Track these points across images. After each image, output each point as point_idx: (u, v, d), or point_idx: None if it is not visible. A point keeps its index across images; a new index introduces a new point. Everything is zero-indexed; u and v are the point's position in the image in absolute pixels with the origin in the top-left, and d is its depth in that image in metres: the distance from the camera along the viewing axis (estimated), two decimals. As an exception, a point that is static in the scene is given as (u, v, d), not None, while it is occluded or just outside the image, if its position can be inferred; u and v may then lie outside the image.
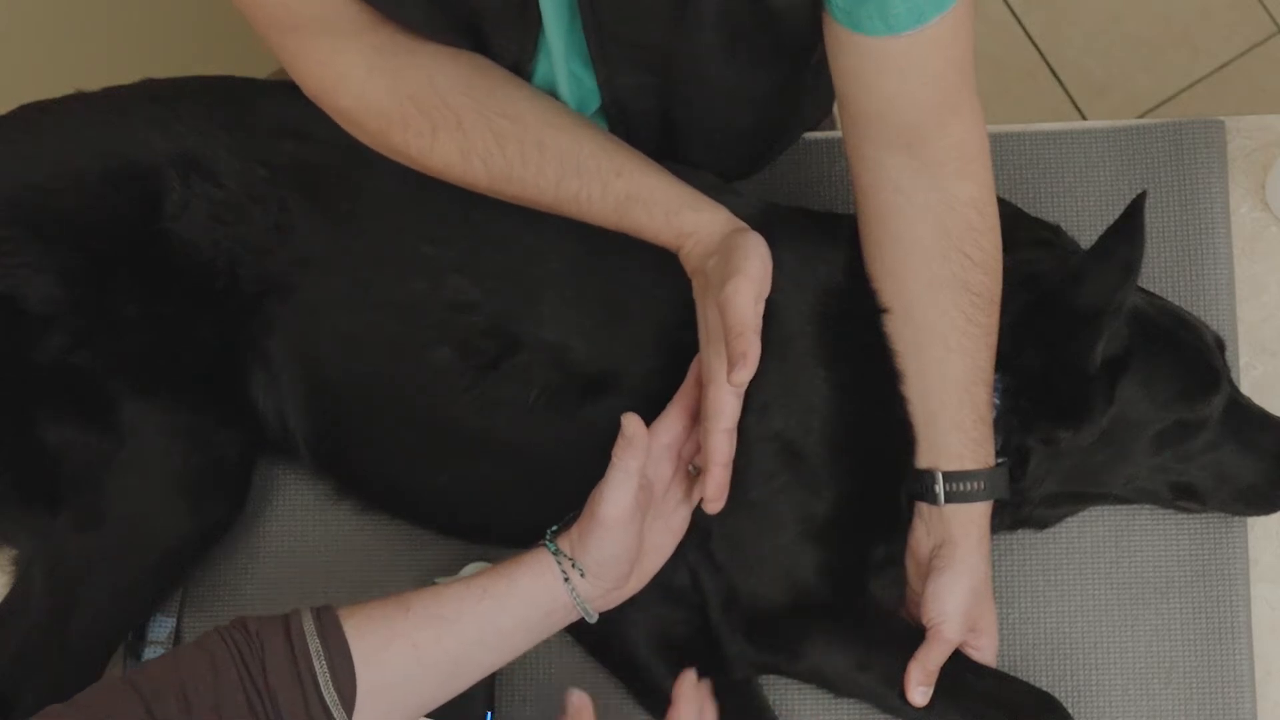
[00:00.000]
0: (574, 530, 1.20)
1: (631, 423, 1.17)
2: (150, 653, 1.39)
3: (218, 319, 1.35)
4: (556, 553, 1.19)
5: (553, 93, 1.29)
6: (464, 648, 1.16)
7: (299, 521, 1.45)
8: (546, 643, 1.38)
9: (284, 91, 1.43)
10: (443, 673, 1.16)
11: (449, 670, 1.16)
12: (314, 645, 1.09)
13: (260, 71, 1.79)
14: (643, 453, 1.17)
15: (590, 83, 1.28)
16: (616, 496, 1.17)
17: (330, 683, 1.09)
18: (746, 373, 1.13)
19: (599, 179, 1.24)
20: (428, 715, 1.26)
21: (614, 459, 1.17)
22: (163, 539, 1.34)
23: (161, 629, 1.40)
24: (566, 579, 1.19)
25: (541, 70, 1.28)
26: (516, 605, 1.18)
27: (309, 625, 1.11)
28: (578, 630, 1.37)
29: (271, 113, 1.40)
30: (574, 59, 1.27)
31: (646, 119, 1.33)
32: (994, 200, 1.28)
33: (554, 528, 1.22)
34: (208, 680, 1.07)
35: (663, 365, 1.31)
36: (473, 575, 1.19)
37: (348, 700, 1.10)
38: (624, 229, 1.25)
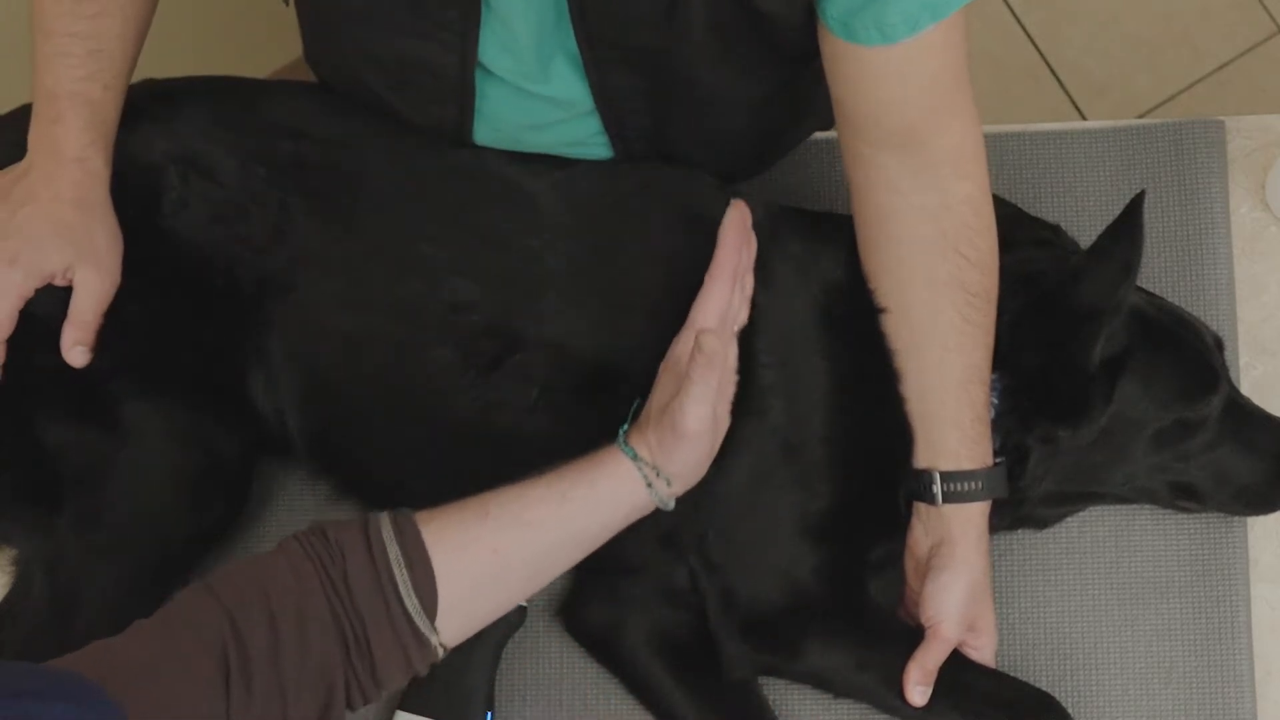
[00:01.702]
0: (650, 437, 1.19)
1: (711, 340, 1.17)
2: (150, 652, 1.39)
3: (217, 319, 1.35)
4: (636, 459, 1.19)
5: (520, 93, 1.30)
6: (545, 550, 1.17)
7: (299, 521, 1.44)
8: (547, 643, 1.38)
9: (284, 91, 1.44)
10: (524, 574, 1.16)
11: (530, 572, 1.17)
12: (394, 552, 1.10)
13: (260, 71, 1.79)
14: (721, 368, 1.17)
15: (578, 83, 1.28)
16: (699, 411, 1.17)
17: (412, 591, 1.09)
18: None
19: None
20: (425, 716, 1.26)
21: (692, 375, 1.17)
22: (163, 539, 1.34)
23: (161, 629, 1.40)
24: (650, 485, 1.19)
25: (500, 62, 1.28)
26: (597, 509, 1.18)
27: (388, 532, 1.11)
28: (577, 630, 1.37)
29: (271, 112, 1.40)
30: (560, 59, 1.27)
31: (639, 118, 1.33)
32: (990, 200, 1.28)
33: (624, 427, 1.22)
34: (291, 587, 1.07)
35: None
36: (549, 477, 1.18)
37: (429, 607, 1.10)
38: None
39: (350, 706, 1.10)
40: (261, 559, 1.10)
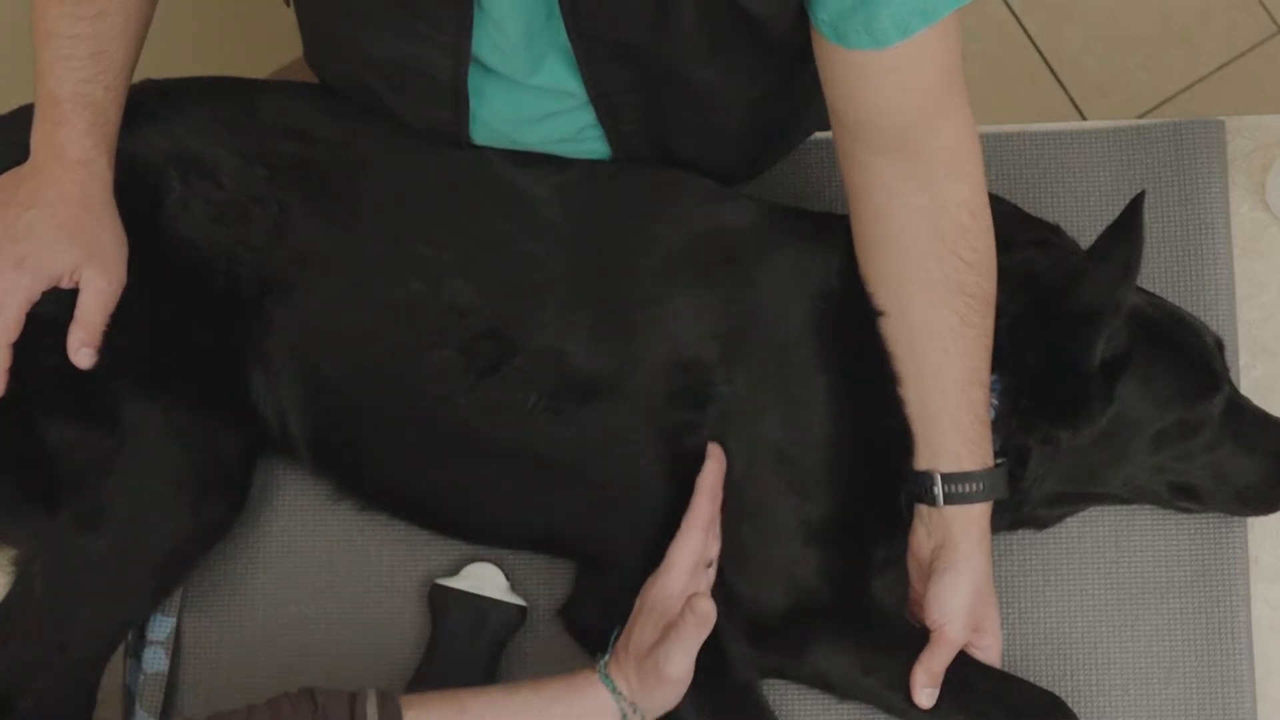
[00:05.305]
0: (631, 675, 1.22)
1: (704, 605, 1.19)
2: (150, 653, 1.39)
3: (218, 319, 1.35)
4: (615, 692, 1.22)
5: (515, 85, 1.30)
6: None
7: (299, 521, 1.45)
8: (547, 643, 1.38)
9: (284, 91, 1.44)
10: None
11: None
12: None
13: (260, 71, 1.79)
14: (710, 628, 1.20)
15: (572, 79, 1.28)
16: (683, 661, 1.21)
17: None
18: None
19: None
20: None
21: (682, 632, 1.19)
22: (163, 539, 1.34)
23: (161, 629, 1.40)
24: (625, 717, 1.22)
25: (492, 59, 1.28)
26: None
27: (372, 706, 1.15)
28: (577, 630, 1.37)
29: (271, 113, 1.40)
30: (553, 56, 1.27)
31: (634, 111, 1.33)
32: (986, 201, 1.28)
33: (604, 659, 1.24)
34: None
35: (661, 370, 1.31)
36: (528, 689, 1.21)
37: None
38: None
39: None
40: (253, 711, 1.15)
